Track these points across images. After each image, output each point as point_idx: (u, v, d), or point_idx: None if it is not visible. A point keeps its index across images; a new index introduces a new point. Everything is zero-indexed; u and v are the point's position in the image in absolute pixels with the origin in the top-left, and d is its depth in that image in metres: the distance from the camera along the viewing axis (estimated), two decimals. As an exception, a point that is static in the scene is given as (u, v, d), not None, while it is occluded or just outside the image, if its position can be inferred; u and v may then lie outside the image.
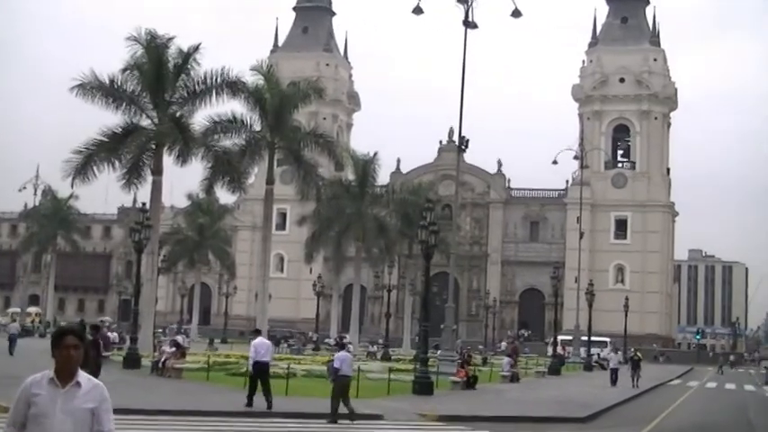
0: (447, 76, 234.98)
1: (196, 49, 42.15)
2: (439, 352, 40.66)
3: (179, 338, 39.57)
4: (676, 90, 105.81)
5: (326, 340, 70.59)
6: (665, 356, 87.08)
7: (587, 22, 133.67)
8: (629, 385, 39.72)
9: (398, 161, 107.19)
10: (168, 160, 42.10)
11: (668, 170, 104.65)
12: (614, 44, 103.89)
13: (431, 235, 29.84)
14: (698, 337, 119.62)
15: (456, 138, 40.09)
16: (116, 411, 5.68)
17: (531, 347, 79.83)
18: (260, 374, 21.59)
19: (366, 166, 63.05)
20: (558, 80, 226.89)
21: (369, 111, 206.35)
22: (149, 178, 42.31)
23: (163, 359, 31.75)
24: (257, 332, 24.35)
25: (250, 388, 21.74)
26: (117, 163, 41.64)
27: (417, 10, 35.61)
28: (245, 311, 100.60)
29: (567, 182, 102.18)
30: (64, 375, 5.35)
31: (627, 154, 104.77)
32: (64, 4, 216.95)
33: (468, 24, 35.46)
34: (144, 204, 39.49)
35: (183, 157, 41.55)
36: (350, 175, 65.82)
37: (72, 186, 44.33)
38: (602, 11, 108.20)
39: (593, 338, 65.12)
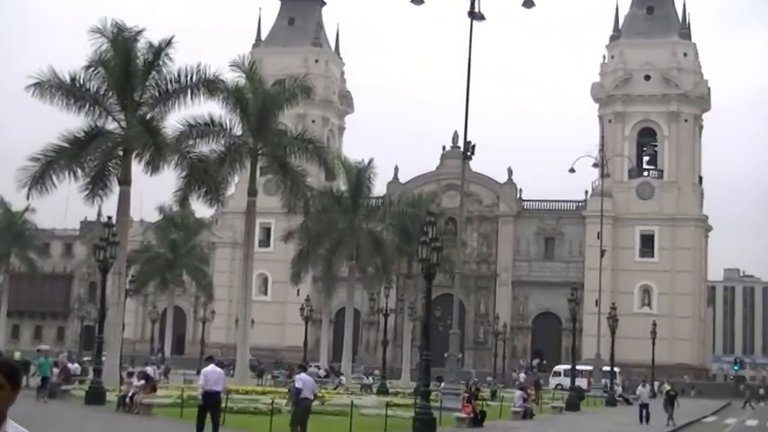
0: (451, 74, 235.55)
1: (168, 42, 42.27)
2: (442, 384, 40.62)
3: (148, 370, 39.52)
4: (709, 89, 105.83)
5: (311, 369, 70.39)
6: (696, 389, 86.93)
7: (608, 12, 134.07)
8: (660, 423, 39.44)
9: (396, 169, 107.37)
10: (137, 168, 42.24)
11: (700, 179, 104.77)
12: (639, 37, 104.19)
13: (433, 252, 29.87)
14: (736, 367, 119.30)
15: (461, 143, 40.25)
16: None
17: (545, 378, 79.86)
18: (210, 405, 22.03)
19: (360, 175, 63.16)
20: (575, 78, 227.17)
21: (363, 113, 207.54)
22: (116, 189, 42.37)
23: (130, 393, 31.69)
24: (210, 359, 24.91)
25: (199, 420, 22.12)
26: (79, 171, 41.72)
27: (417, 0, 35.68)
28: (224, 338, 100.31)
29: (587, 192, 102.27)
30: None
31: (653, 161, 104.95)
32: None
33: (475, 16, 35.54)
34: (110, 218, 39.47)
35: (154, 165, 41.64)
36: (342, 185, 65.95)
37: (28, 198, 44.41)
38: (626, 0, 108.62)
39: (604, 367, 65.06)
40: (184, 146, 43.84)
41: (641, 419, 40.02)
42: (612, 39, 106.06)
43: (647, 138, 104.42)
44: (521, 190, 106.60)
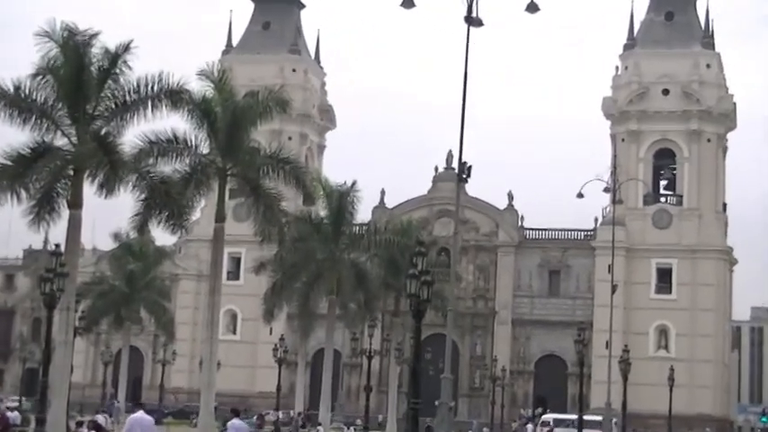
0: (444, 86, 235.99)
1: (126, 48, 42.08)
2: (433, 437, 40.46)
3: (99, 419, 39.24)
4: (735, 105, 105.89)
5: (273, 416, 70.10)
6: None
7: (622, 19, 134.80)
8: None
9: (383, 193, 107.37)
10: (90, 190, 41.92)
11: (724, 206, 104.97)
12: (656, 46, 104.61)
13: (423, 287, 29.78)
14: (764, 419, 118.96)
15: (455, 164, 40.12)
16: None
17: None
18: None
19: (342, 200, 63.08)
20: (584, 92, 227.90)
21: (346, 129, 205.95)
22: (65, 213, 42.06)
23: (79, 446, 31.45)
24: (140, 405, 25.36)
25: None
26: (24, 193, 41.40)
27: (408, 2, 35.57)
28: (186, 383, 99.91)
29: (596, 220, 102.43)
30: None
31: (672, 185, 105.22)
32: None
33: (472, 21, 35.56)
34: (57, 246, 39.33)
35: (108, 187, 41.39)
36: (321, 210, 65.83)
37: (-35, 223, 44.13)
38: (642, 4, 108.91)
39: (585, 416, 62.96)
40: (144, 165, 43.62)
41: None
42: (626, 48, 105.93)
43: (664, 159, 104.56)
44: (522, 217, 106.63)
